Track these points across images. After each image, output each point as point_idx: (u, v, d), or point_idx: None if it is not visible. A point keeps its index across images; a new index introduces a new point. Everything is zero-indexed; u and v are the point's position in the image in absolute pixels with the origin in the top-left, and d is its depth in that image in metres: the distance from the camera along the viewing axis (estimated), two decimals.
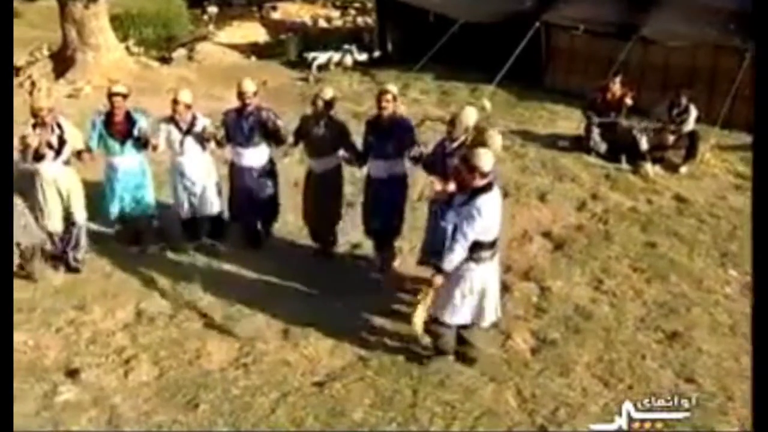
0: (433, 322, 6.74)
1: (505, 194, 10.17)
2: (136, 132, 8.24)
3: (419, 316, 6.62)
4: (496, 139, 7.03)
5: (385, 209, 8.11)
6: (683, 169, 11.15)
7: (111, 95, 8.21)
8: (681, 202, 10.22)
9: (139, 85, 15.43)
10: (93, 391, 6.59)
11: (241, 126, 8.30)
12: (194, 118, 8.35)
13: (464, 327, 6.75)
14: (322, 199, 8.40)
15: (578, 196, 10.40)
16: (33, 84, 15.45)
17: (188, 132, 8.30)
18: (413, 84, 15.52)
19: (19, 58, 17.03)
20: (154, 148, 8.32)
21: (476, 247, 6.34)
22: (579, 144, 11.91)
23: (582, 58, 14.40)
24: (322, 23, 22.04)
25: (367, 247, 8.68)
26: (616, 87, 11.47)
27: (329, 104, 8.10)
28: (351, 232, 8.87)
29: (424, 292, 6.58)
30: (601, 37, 14.12)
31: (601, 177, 11.05)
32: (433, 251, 7.03)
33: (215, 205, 8.68)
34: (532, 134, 12.67)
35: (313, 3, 23.51)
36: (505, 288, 8.02)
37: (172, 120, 8.32)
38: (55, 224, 8.15)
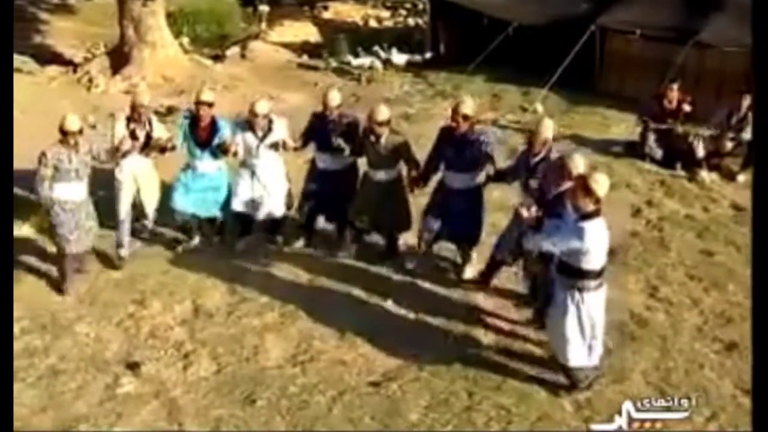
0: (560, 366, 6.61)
1: None
2: (217, 140, 8.35)
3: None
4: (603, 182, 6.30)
5: (461, 218, 8.09)
6: (741, 177, 11.00)
7: (198, 103, 8.32)
8: (738, 211, 10.10)
9: (194, 84, 15.68)
10: (153, 384, 6.72)
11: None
12: (270, 122, 8.45)
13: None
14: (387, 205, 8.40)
15: (633, 202, 10.32)
16: (90, 80, 15.70)
17: (264, 138, 8.41)
18: (464, 86, 15.49)
19: (77, 55, 17.39)
20: (235, 154, 8.42)
21: (585, 275, 6.18)
22: (633, 149, 11.82)
23: (636, 62, 14.25)
24: (373, 23, 22.11)
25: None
26: (674, 93, 11.34)
27: (385, 123, 8.11)
28: (406, 234, 8.88)
29: None
30: (657, 42, 13.97)
31: (656, 183, 10.97)
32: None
33: (280, 209, 8.75)
34: (584, 139, 12.59)
35: (364, 3, 23.57)
36: None
37: (248, 126, 8.43)
38: (122, 214, 8.44)
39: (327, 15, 22.43)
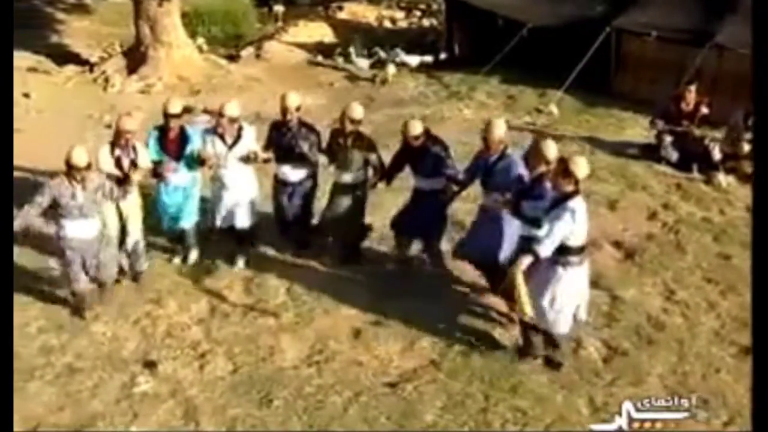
0: (522, 325, 6.90)
1: None
2: (188, 151, 8.09)
3: (524, 297, 6.52)
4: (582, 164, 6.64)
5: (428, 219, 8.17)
6: None
7: (167, 116, 8.02)
8: None
9: (209, 83, 15.78)
10: (170, 383, 6.74)
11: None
12: (240, 129, 8.18)
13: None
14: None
15: (649, 205, 10.29)
16: (106, 80, 15.78)
17: (233, 145, 8.14)
18: (479, 87, 15.49)
19: (93, 55, 17.48)
20: (210, 166, 8.23)
21: (564, 252, 6.50)
22: (649, 152, 11.78)
23: (652, 64, 14.20)
24: (387, 24, 22.12)
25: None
26: (691, 96, 11.29)
27: (358, 122, 8.14)
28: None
29: (510, 279, 6.60)
30: (673, 44, 13.92)
31: (673, 186, 10.92)
32: (472, 248, 7.72)
33: (246, 219, 8.41)
34: (600, 141, 12.57)
35: (379, 3, 23.57)
36: None
37: (215, 132, 8.18)
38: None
39: (342, 15, 22.44)
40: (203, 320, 7.65)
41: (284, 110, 8.22)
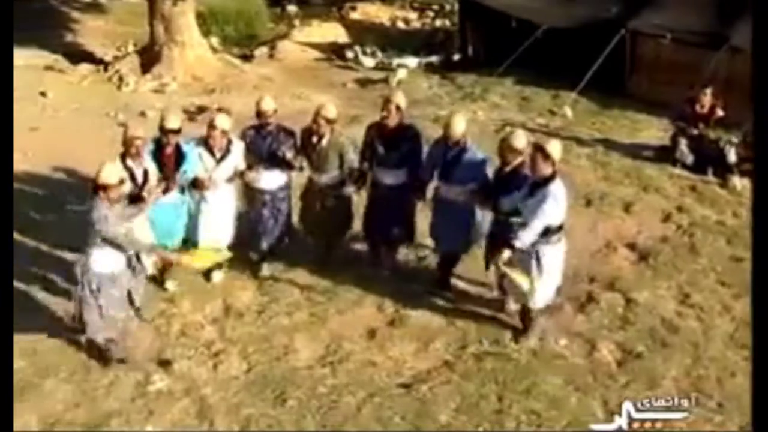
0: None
1: (588, 203, 10.20)
2: (183, 172, 7.60)
3: (519, 278, 6.90)
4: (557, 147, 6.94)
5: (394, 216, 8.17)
6: None
7: (164, 131, 7.49)
8: None
9: (223, 83, 15.81)
10: (184, 381, 6.76)
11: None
12: (230, 143, 7.79)
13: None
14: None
15: (663, 207, 10.26)
16: (121, 79, 15.83)
17: (221, 159, 7.76)
18: (493, 88, 15.45)
19: (108, 53, 17.54)
20: (204, 188, 7.74)
21: (546, 232, 6.77)
22: (664, 154, 11.74)
23: (667, 66, 14.13)
24: (401, 25, 22.13)
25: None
26: (707, 98, 11.26)
27: (333, 121, 7.91)
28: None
29: (500, 263, 6.88)
30: (688, 46, 13.87)
31: (687, 189, 10.89)
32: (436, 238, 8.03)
33: (226, 237, 8.02)
34: (614, 143, 12.53)
35: (392, 4, 23.58)
36: (590, 298, 8.04)
37: (205, 144, 7.74)
38: None
39: (355, 16, 22.46)
40: (217, 319, 7.66)
41: (260, 114, 7.91)
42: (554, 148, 6.78)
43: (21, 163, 10.85)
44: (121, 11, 20.93)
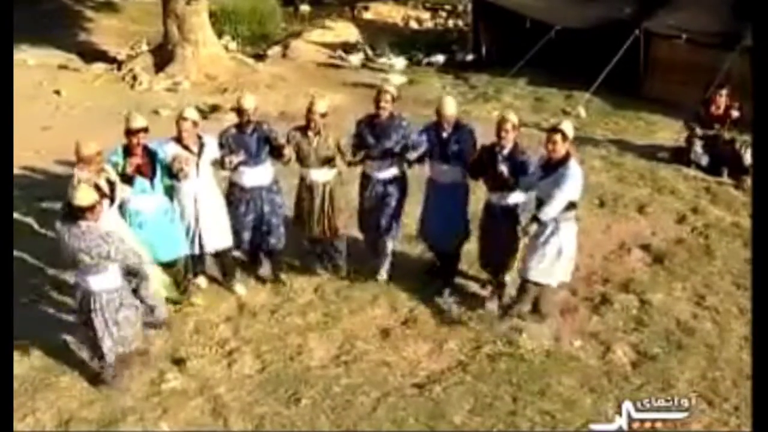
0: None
1: (602, 204, 10.16)
2: (159, 168, 7.31)
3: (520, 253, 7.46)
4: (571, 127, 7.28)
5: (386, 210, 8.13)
6: None
7: (131, 132, 7.12)
8: None
9: (236, 82, 15.84)
10: (198, 380, 6.77)
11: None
12: (201, 138, 7.54)
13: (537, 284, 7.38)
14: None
15: (678, 209, 10.20)
16: (134, 77, 15.88)
17: (200, 153, 7.49)
18: (506, 88, 15.44)
19: (121, 52, 17.61)
20: (181, 171, 7.33)
21: (564, 208, 7.00)
22: (678, 155, 11.67)
23: (681, 67, 14.04)
24: (413, 24, 22.12)
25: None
26: (722, 99, 11.20)
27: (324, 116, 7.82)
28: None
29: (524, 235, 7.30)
30: (703, 47, 13.80)
31: (702, 190, 10.82)
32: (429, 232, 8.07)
33: (228, 239, 7.91)
34: (628, 144, 12.48)
35: (405, 4, 23.58)
36: (604, 299, 8.01)
37: (178, 142, 7.46)
38: None
39: (368, 15, 22.47)
40: (231, 318, 7.67)
41: (241, 112, 7.68)
42: (568, 127, 7.09)
43: (34, 161, 10.95)
44: (134, 10, 21.01)
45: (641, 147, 12.32)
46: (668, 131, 12.84)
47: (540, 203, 7.05)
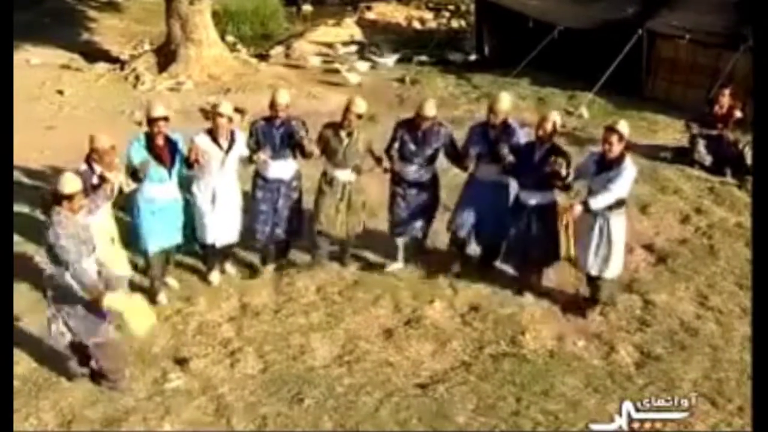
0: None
1: None
2: (178, 157, 7.46)
3: (570, 246, 7.53)
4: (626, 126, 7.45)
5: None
6: None
7: (152, 120, 7.28)
8: None
9: (239, 81, 15.84)
10: (201, 380, 6.74)
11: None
12: (233, 132, 7.71)
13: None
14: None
15: (681, 209, 10.19)
16: (137, 77, 15.89)
17: (229, 150, 7.66)
18: (509, 89, 15.14)
19: (124, 52, 17.63)
20: (198, 162, 7.48)
21: (616, 204, 7.30)
22: (681, 155, 11.67)
23: (685, 67, 14.08)
24: (416, 25, 22.12)
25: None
26: (725, 99, 11.18)
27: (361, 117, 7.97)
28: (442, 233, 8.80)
29: (564, 224, 7.48)
30: (706, 47, 13.80)
31: (705, 190, 10.82)
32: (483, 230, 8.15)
33: (233, 236, 8.10)
34: (632, 144, 12.40)
35: (407, 4, 23.59)
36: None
37: (210, 135, 7.63)
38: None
39: (370, 15, 22.49)
40: (234, 318, 7.65)
41: (274, 106, 7.81)
42: (624, 127, 7.25)
43: (38, 161, 10.94)
44: (137, 10, 21.06)
45: (644, 147, 12.24)
46: (671, 131, 12.85)
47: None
